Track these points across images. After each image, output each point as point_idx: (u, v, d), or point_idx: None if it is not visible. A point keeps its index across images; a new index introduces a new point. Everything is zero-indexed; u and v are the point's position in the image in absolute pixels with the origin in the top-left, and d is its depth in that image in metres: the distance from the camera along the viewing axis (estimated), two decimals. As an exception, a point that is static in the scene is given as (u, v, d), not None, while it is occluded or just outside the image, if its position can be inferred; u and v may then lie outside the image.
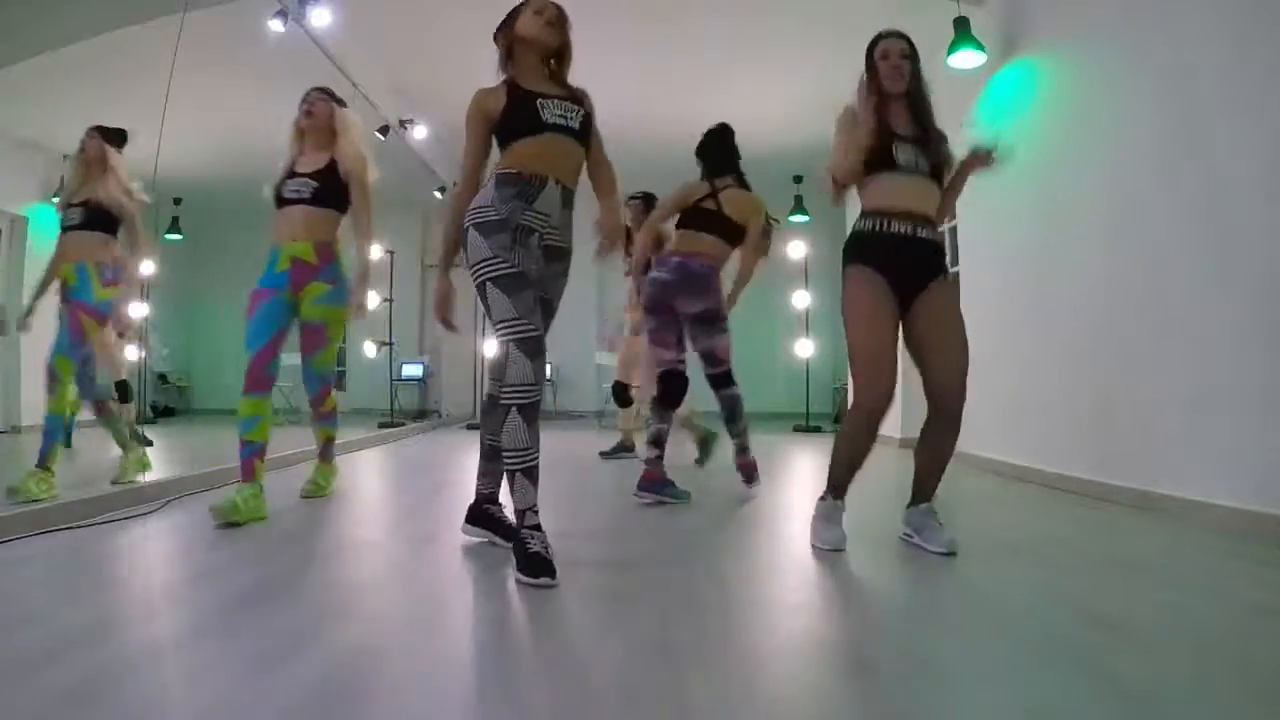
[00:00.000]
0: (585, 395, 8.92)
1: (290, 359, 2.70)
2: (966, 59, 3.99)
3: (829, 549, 2.10)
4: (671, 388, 3.07)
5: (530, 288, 1.90)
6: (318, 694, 1.15)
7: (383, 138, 5.68)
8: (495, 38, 2.08)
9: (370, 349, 7.05)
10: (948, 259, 2.25)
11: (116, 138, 3.02)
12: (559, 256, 2.04)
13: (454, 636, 1.50)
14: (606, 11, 4.30)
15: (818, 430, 6.80)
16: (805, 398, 7.27)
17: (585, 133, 2.04)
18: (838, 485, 2.20)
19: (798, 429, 6.95)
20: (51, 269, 2.97)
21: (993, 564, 2.07)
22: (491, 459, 2.11)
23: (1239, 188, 2.47)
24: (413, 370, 8.28)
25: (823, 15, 4.55)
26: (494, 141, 2.02)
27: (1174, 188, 2.76)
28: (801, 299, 7.42)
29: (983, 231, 4.27)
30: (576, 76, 2.09)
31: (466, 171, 2.02)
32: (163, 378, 6.65)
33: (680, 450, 3.93)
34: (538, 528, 1.85)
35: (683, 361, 3.14)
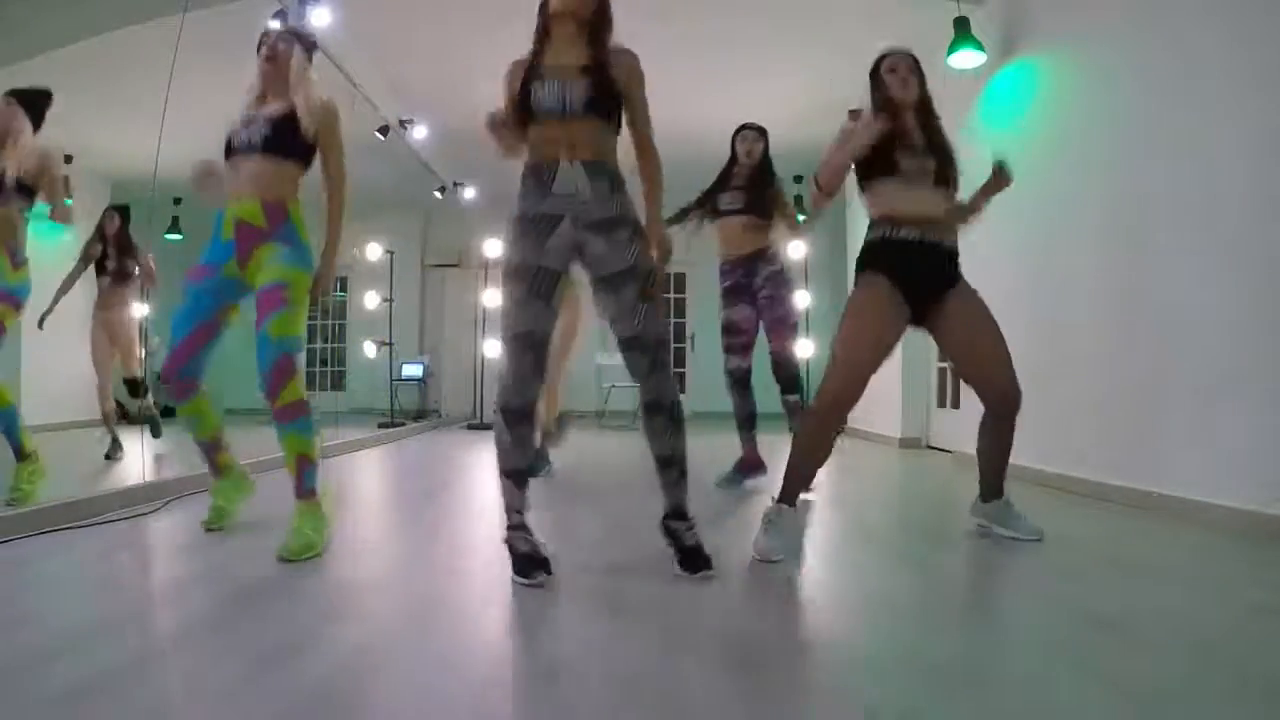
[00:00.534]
0: (585, 395, 8.93)
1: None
2: (966, 59, 3.99)
3: (761, 559, 1.99)
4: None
5: (528, 279, 1.83)
6: (318, 694, 1.15)
7: (383, 138, 5.69)
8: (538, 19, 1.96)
9: (370, 349, 7.05)
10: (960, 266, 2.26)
11: (37, 100, 2.71)
12: (608, 228, 1.85)
13: (454, 637, 1.50)
14: (606, 11, 4.29)
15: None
16: (804, 398, 7.26)
17: (596, 106, 1.85)
18: (793, 490, 2.14)
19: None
20: None
21: (993, 564, 2.07)
22: (660, 468, 1.94)
23: (1240, 187, 2.47)
24: (413, 370, 8.28)
25: (823, 16, 4.55)
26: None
27: (1175, 187, 2.76)
28: (801, 299, 7.42)
29: (982, 231, 4.25)
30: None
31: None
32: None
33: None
34: (520, 527, 1.85)
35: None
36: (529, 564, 1.76)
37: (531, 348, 1.84)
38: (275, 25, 3.93)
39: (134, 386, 3.99)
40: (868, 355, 2.10)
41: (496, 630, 1.54)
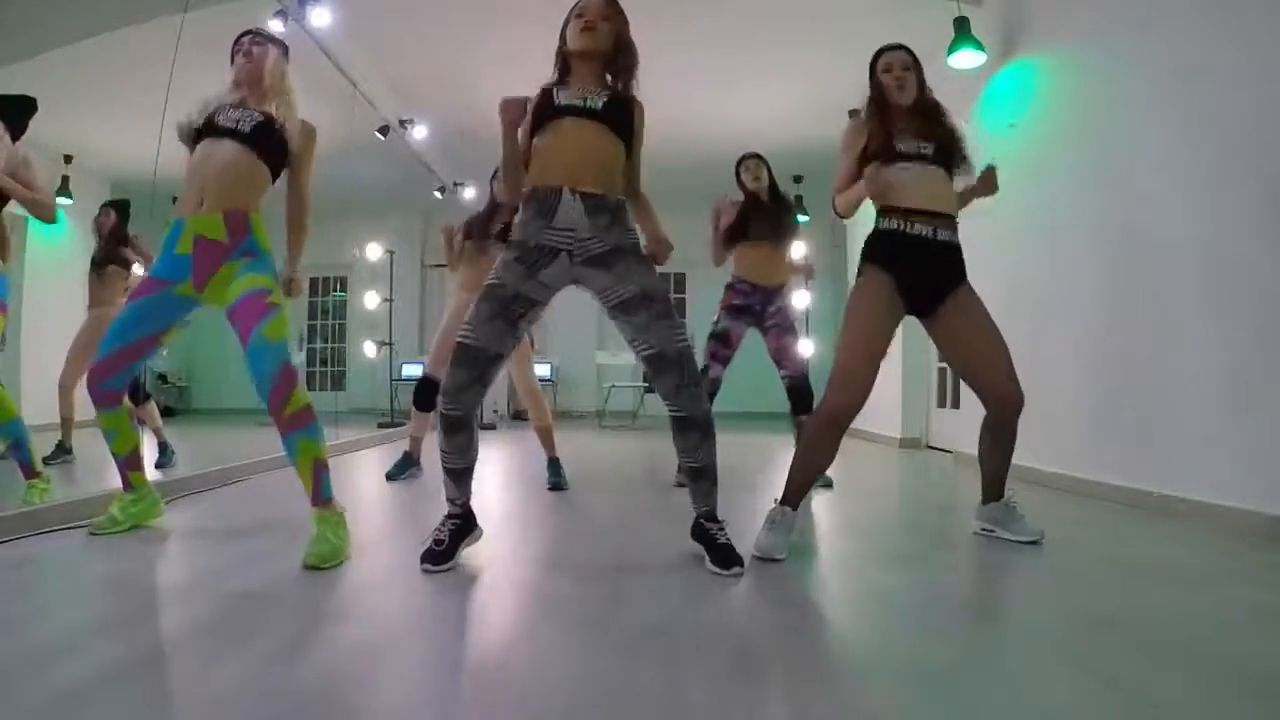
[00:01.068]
0: (585, 395, 8.93)
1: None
2: (966, 59, 3.98)
3: (762, 556, 1.99)
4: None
5: (502, 301, 1.87)
6: (318, 694, 1.15)
7: (383, 138, 5.69)
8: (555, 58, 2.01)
9: (370, 349, 7.04)
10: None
11: (17, 107, 2.63)
12: (609, 260, 1.89)
13: (454, 637, 1.50)
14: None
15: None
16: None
17: (614, 118, 1.90)
18: (796, 493, 2.14)
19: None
20: None
21: (993, 564, 2.07)
22: (692, 479, 1.99)
23: (1241, 187, 2.47)
24: (413, 370, 8.26)
25: (823, 14, 4.55)
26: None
27: (1175, 187, 2.76)
28: (801, 299, 7.42)
29: (981, 231, 4.25)
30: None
31: (510, 173, 1.98)
32: (163, 378, 6.64)
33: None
34: (449, 516, 1.97)
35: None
36: (433, 554, 1.89)
37: (476, 363, 1.86)
38: (275, 25, 3.97)
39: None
40: (868, 364, 2.11)
41: (497, 630, 1.54)
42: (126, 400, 2.21)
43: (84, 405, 2.12)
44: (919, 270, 2.13)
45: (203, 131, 2.12)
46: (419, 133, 6.07)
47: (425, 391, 3.44)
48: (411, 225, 8.16)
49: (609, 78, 2.00)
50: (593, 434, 6.76)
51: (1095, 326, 3.22)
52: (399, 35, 4.86)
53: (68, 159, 4.04)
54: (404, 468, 3.60)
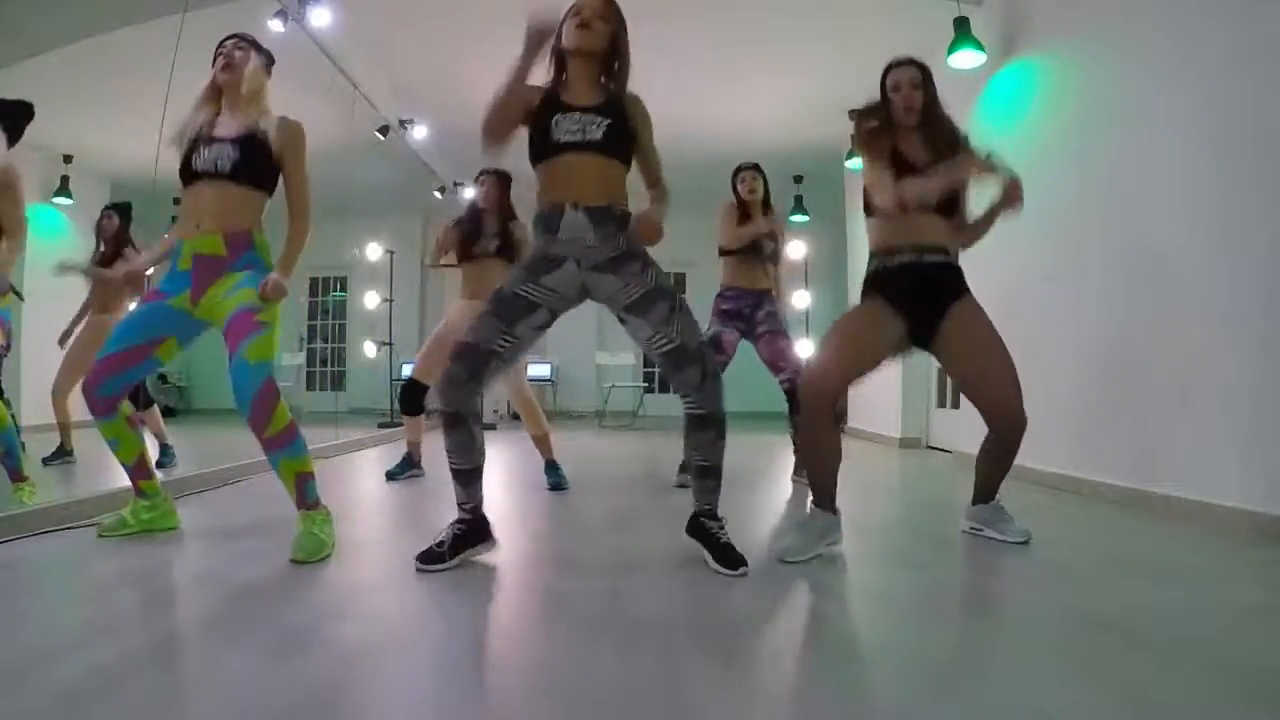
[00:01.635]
0: (585, 395, 8.93)
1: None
2: (966, 59, 3.99)
3: (778, 557, 2.00)
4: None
5: (504, 302, 1.90)
6: (318, 694, 1.15)
7: (383, 138, 5.69)
8: (550, 56, 1.98)
9: (370, 349, 7.04)
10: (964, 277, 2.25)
11: (13, 113, 2.59)
12: (617, 265, 1.91)
13: (454, 637, 1.50)
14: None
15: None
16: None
17: (614, 142, 1.91)
18: (821, 494, 2.13)
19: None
20: None
21: (993, 564, 2.07)
22: (699, 476, 1.99)
23: (1243, 187, 2.47)
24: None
25: (823, 14, 4.55)
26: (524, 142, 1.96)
27: (1176, 187, 2.76)
28: (801, 299, 7.42)
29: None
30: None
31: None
32: (163, 378, 6.64)
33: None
34: (457, 520, 1.97)
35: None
36: (427, 553, 1.90)
37: (470, 358, 1.86)
38: (275, 25, 3.97)
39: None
40: (846, 343, 2.11)
41: (497, 630, 1.54)
42: (127, 405, 2.17)
43: (80, 407, 2.12)
44: (910, 292, 2.14)
45: (183, 174, 2.12)
46: (419, 133, 6.08)
47: (410, 395, 3.49)
48: (411, 225, 8.15)
49: (603, 79, 2.00)
50: (593, 434, 6.77)
51: (1095, 326, 3.22)
52: (399, 35, 4.87)
53: (67, 159, 4.04)
54: (404, 468, 3.62)
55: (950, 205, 2.18)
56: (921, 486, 3.91)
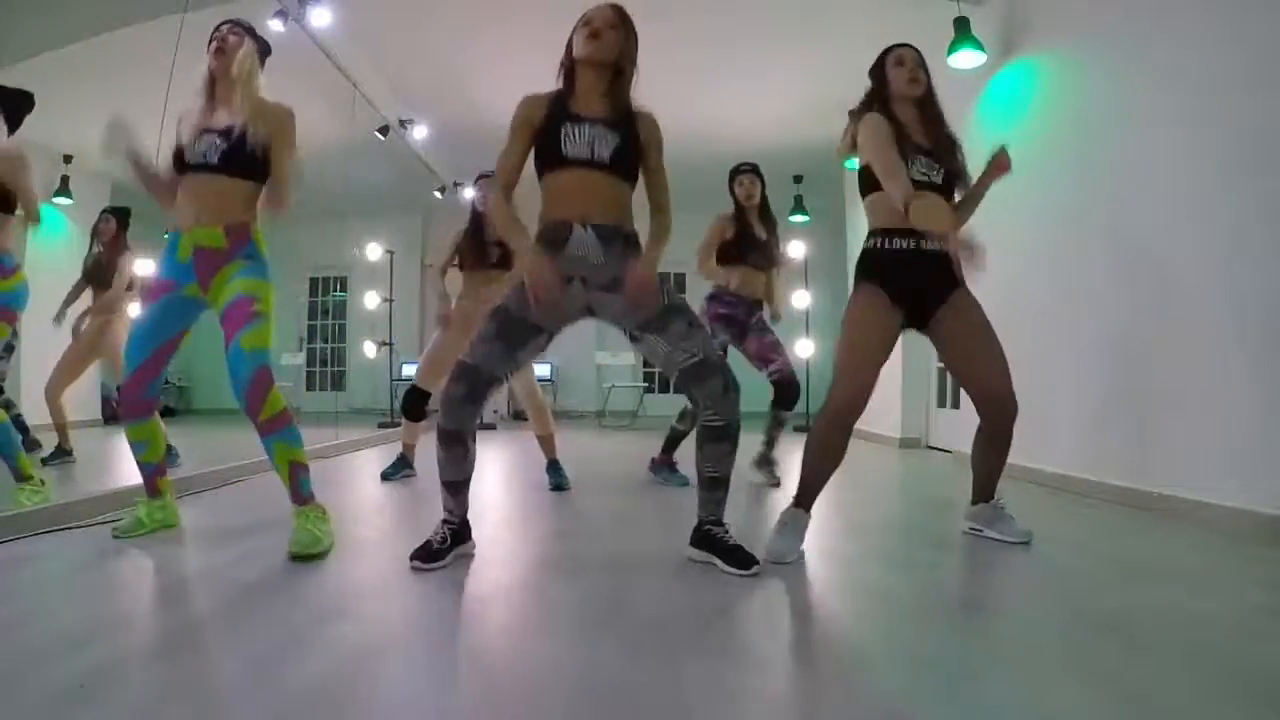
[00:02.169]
0: (585, 395, 8.94)
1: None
2: (966, 59, 3.99)
3: (772, 560, 1.97)
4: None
5: (505, 323, 1.87)
6: (318, 694, 1.15)
7: (383, 138, 5.69)
8: (560, 67, 1.98)
9: (370, 349, 7.05)
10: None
11: (13, 100, 2.60)
12: (622, 283, 1.89)
13: (454, 637, 1.50)
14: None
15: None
16: (806, 398, 7.27)
17: (623, 163, 1.89)
18: (807, 495, 2.14)
19: (798, 429, 6.95)
20: None
21: (993, 564, 2.07)
22: (709, 488, 1.96)
23: (1243, 187, 2.47)
24: (413, 370, 8.27)
25: (823, 14, 4.55)
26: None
27: (1177, 187, 2.76)
28: (801, 299, 7.43)
29: (983, 233, 4.26)
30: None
31: (501, 177, 1.94)
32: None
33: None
34: (448, 524, 1.98)
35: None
36: (424, 552, 1.91)
37: (472, 381, 1.86)
38: (275, 25, 3.97)
39: None
40: (868, 362, 2.11)
41: (497, 630, 1.54)
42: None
43: (78, 405, 2.13)
44: (906, 280, 2.14)
45: (177, 165, 2.14)
46: (419, 133, 6.08)
47: (414, 401, 3.48)
48: (411, 225, 8.16)
49: (610, 88, 1.96)
50: (593, 434, 6.77)
51: (1096, 325, 3.22)
52: (399, 35, 4.87)
53: (67, 159, 4.04)
54: (399, 468, 3.63)
55: (949, 189, 2.19)
56: (921, 486, 3.91)
